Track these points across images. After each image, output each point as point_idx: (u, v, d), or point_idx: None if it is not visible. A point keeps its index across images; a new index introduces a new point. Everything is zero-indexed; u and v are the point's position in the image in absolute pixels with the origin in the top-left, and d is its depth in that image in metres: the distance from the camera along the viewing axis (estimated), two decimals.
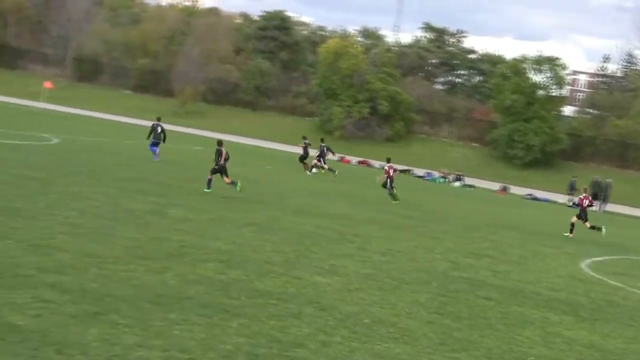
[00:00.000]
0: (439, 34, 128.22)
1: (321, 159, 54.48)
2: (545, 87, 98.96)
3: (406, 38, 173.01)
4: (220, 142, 32.72)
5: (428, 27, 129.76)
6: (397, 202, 39.39)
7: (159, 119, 42.73)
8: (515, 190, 78.75)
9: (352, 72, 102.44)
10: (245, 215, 25.55)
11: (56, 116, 76.49)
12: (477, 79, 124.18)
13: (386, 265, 20.30)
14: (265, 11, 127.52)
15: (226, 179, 31.71)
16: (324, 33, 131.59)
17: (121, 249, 16.74)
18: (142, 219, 20.94)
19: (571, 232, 36.73)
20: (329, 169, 53.97)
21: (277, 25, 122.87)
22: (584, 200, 37.47)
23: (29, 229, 17.14)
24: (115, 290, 13.38)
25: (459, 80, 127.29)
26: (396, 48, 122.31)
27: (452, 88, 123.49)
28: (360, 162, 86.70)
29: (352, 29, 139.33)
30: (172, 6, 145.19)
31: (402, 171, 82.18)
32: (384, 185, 41.07)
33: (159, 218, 21.62)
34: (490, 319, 16.02)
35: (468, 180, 79.02)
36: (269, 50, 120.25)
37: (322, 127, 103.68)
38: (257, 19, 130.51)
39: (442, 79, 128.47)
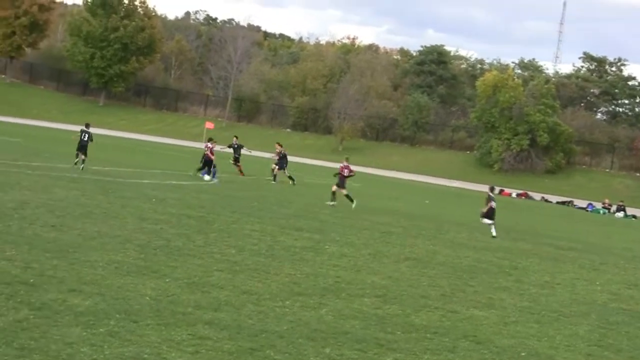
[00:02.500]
0: (599, 63, 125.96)
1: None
2: None
3: (565, 68, 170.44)
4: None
5: (587, 57, 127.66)
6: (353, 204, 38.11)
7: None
8: None
9: (510, 104, 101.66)
10: (402, 249, 25.50)
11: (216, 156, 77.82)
12: None
13: (545, 297, 19.98)
14: (423, 46, 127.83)
15: None
16: (482, 66, 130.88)
17: (277, 285, 16.92)
18: (299, 255, 21.11)
19: None
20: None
21: (434, 60, 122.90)
22: None
23: (187, 266, 17.48)
24: (271, 326, 13.52)
25: (621, 109, 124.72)
26: (555, 79, 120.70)
27: (614, 118, 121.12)
28: (519, 195, 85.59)
29: (510, 61, 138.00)
30: (330, 44, 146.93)
31: (563, 203, 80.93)
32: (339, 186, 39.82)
33: (315, 254, 21.75)
34: None
35: (631, 211, 76.97)
36: (426, 84, 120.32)
37: (481, 161, 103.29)
38: (415, 54, 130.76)
39: (603, 109, 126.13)
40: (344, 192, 38.43)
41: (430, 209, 46.73)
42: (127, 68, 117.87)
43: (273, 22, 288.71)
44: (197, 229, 23.18)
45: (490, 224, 34.05)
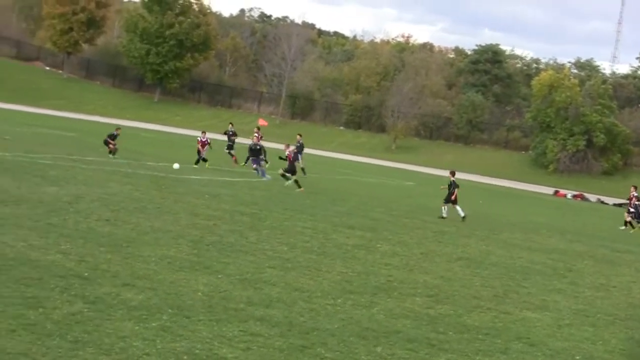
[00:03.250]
0: None
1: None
2: None
3: (623, 69, 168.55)
4: None
5: None
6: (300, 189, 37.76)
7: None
8: None
9: (566, 104, 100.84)
10: (455, 249, 25.37)
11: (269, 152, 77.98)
12: None
13: (600, 300, 19.74)
14: (478, 45, 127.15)
15: None
16: (537, 66, 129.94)
17: (329, 283, 16.89)
18: (351, 254, 21.06)
19: None
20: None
21: (489, 59, 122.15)
22: None
23: (239, 263, 17.51)
24: (323, 324, 13.50)
25: None
26: (612, 79, 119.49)
27: None
28: (575, 196, 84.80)
29: (566, 60, 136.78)
30: (385, 42, 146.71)
31: (619, 205, 79.97)
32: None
33: (367, 252, 21.70)
34: None
35: None
36: (481, 83, 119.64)
37: (536, 161, 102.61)
38: (470, 53, 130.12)
39: None
40: (294, 177, 38.65)
41: (483, 208, 46.41)
42: (182, 64, 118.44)
43: (327, 20, 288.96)
44: (250, 226, 23.21)
45: (457, 210, 35.65)
